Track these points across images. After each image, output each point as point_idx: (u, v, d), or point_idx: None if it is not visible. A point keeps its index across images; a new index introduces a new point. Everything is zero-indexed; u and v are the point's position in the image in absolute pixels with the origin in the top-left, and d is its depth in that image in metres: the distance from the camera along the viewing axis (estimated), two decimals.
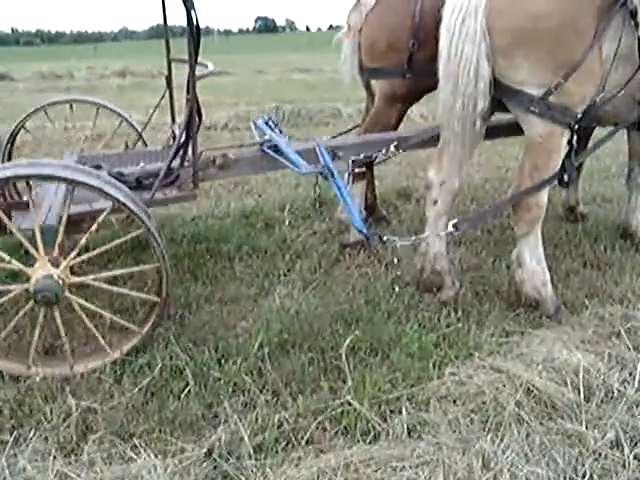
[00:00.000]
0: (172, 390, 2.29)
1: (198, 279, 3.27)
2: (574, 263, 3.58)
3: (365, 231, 2.68)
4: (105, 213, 2.34)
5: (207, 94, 9.95)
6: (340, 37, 3.84)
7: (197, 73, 2.80)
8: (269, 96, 11.76)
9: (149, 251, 3.14)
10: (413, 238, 2.83)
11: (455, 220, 2.79)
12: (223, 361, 2.44)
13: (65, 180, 2.27)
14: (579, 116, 2.69)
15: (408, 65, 3.44)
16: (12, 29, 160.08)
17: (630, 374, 2.32)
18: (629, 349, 2.46)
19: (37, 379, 2.34)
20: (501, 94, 2.74)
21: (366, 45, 3.63)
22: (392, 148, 3.26)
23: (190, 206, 4.23)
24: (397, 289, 3.03)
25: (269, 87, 14.11)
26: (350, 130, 4.26)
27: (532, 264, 2.90)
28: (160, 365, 2.38)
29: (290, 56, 27.54)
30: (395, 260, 3.25)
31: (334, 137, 4.02)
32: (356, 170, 3.26)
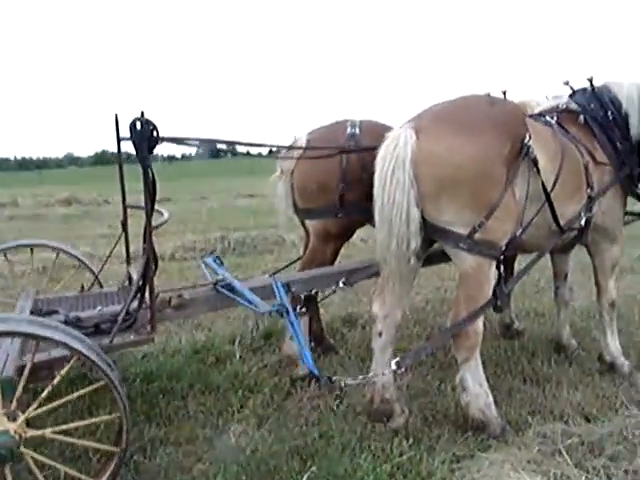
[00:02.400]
0: None
1: (152, 420, 3.26)
2: (514, 380, 3.78)
3: (317, 372, 2.80)
4: (68, 367, 2.38)
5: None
6: (274, 180, 4.13)
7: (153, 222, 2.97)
8: (214, 224, 12.09)
9: (102, 394, 3.14)
10: (360, 377, 2.97)
11: (397, 358, 2.97)
12: None
13: (29, 336, 2.33)
14: (503, 248, 3.00)
15: (340, 205, 3.73)
16: None
17: None
18: (571, 467, 2.59)
19: None
20: (432, 233, 3.02)
21: (299, 187, 3.92)
22: (341, 284, 3.49)
23: None
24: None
25: (213, 214, 14.49)
26: (294, 262, 4.47)
27: (475, 387, 3.06)
28: None
29: (233, 181, 28.42)
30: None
31: (277, 271, 4.23)
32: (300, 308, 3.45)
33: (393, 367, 2.93)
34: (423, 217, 2.94)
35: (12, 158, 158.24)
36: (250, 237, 9.29)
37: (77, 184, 30.22)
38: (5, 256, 4.15)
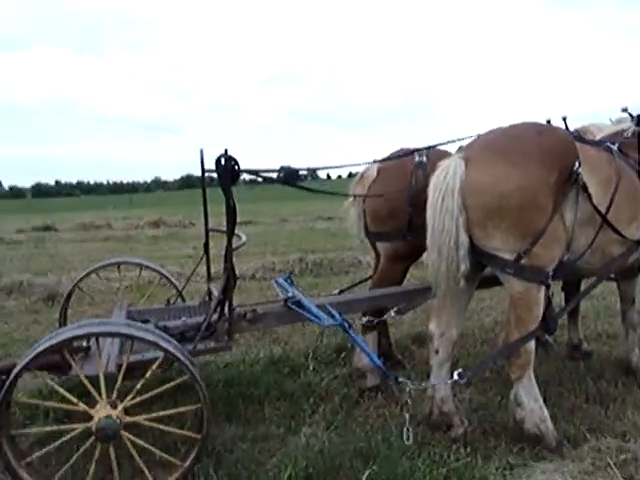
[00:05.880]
0: None
1: (232, 420, 3.62)
2: (577, 399, 3.87)
3: (384, 369, 3.09)
4: (157, 362, 2.78)
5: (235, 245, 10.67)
6: (347, 205, 4.44)
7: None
8: (293, 246, 12.53)
9: (186, 393, 3.52)
10: (424, 384, 3.20)
11: (460, 370, 3.15)
12: None
13: (128, 336, 2.76)
14: (550, 274, 3.11)
15: (408, 228, 3.94)
16: (56, 181, 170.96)
17: None
18: (619, 479, 2.70)
19: None
20: (480, 258, 3.17)
21: (370, 212, 4.19)
22: (392, 314, 3.72)
23: (223, 354, 4.64)
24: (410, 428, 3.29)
25: (293, 237, 14.98)
26: (364, 281, 4.75)
27: (530, 403, 3.20)
28: None
29: (312, 204, 28.97)
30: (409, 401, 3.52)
31: (345, 289, 4.51)
32: (365, 323, 3.73)
33: (455, 377, 3.10)
34: (471, 242, 3.10)
35: (105, 182, 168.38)
36: (327, 259, 9.61)
37: (164, 207, 31.74)
38: (97, 275, 4.71)
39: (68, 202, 72.64)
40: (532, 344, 3.18)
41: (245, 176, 3.51)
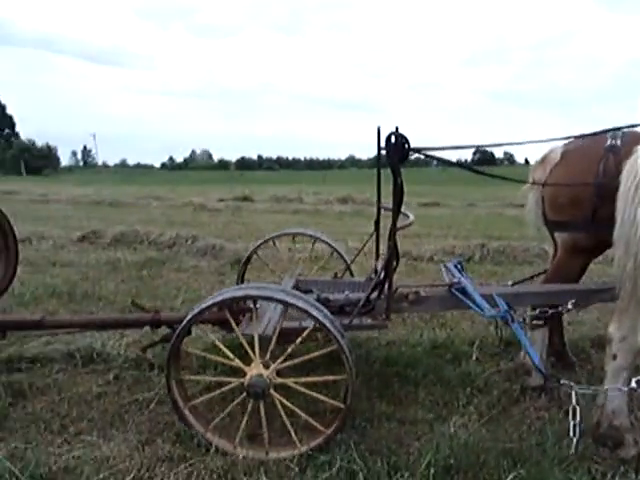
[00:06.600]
0: None
1: (383, 398, 3.62)
2: None
3: (544, 371, 2.85)
4: (308, 330, 2.87)
5: (418, 226, 10.58)
6: (525, 191, 4.12)
7: (399, 224, 3.30)
8: (477, 231, 12.09)
9: (337, 363, 3.60)
10: (592, 388, 2.89)
11: (639, 377, 2.79)
12: (393, 473, 2.72)
13: (279, 301, 2.88)
14: None
15: (592, 219, 3.50)
16: (258, 156, 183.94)
17: None
18: None
19: (240, 457, 2.85)
20: None
21: (550, 199, 3.81)
22: (569, 306, 3.37)
23: (387, 332, 4.65)
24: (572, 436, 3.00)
25: (478, 222, 14.46)
26: (533, 277, 4.41)
27: None
28: (338, 465, 2.74)
29: (504, 190, 27.60)
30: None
31: (515, 283, 4.21)
32: (534, 321, 3.47)
33: (633, 384, 2.78)
34: None
35: (302, 159, 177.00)
36: (511, 247, 9.07)
37: (355, 184, 32.45)
38: (274, 242, 5.05)
39: (267, 175, 78.22)
40: None
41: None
